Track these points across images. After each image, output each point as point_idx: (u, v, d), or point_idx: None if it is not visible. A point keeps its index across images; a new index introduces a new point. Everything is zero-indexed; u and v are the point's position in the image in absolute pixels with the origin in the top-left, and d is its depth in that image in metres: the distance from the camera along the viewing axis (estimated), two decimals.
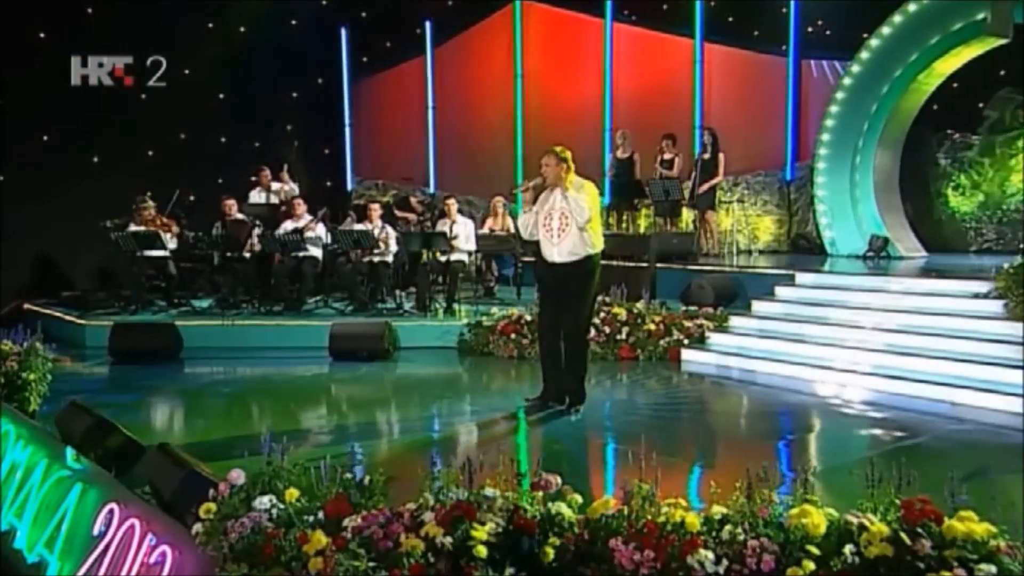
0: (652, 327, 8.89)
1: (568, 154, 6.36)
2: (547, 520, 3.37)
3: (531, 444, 5.94)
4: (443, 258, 10.60)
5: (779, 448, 5.79)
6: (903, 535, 2.91)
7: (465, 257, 10.79)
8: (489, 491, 3.53)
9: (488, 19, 14.86)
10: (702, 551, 3.08)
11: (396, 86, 14.86)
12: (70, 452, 4.69)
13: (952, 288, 8.29)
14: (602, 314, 9.01)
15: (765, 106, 13.38)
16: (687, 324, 8.92)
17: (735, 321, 9.09)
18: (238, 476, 3.54)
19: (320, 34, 14.54)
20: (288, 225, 10.95)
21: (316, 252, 10.79)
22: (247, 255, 10.81)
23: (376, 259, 10.61)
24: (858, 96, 11.91)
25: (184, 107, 13.19)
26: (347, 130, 14.86)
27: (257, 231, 10.76)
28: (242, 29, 13.82)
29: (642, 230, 13.46)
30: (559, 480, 3.54)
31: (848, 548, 2.97)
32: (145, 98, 13.17)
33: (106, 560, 3.87)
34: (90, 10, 12.95)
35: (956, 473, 4.96)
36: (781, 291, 9.44)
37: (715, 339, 8.83)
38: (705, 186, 12.10)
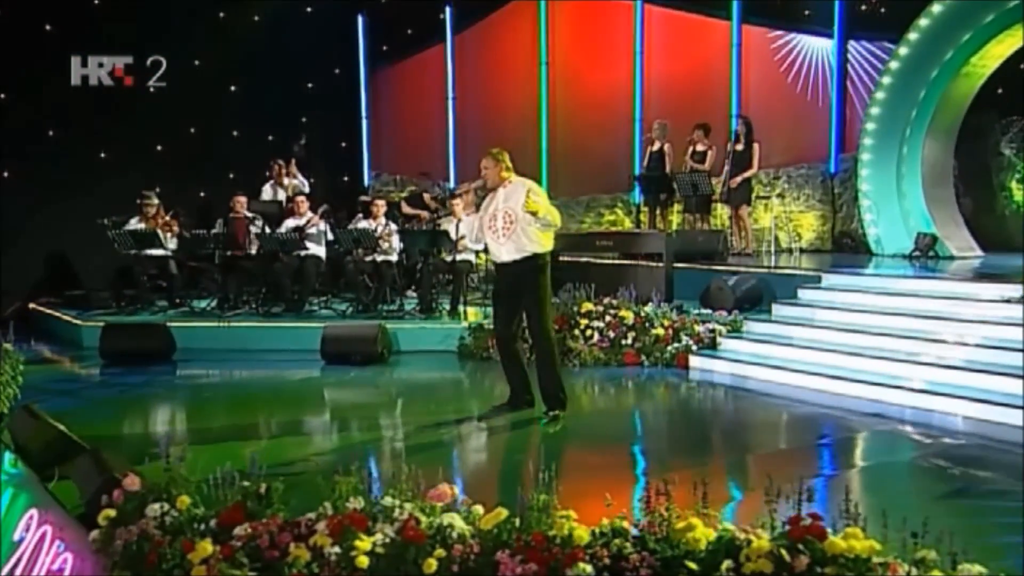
0: (660, 332, 8.94)
1: (505, 156, 6.81)
2: (439, 532, 3.52)
3: (486, 453, 6.08)
4: (448, 258, 10.79)
5: (746, 462, 5.84)
6: (783, 551, 2.99)
7: (472, 257, 10.96)
8: (388, 500, 3.71)
9: (512, 3, 15.02)
10: (581, 564, 3.21)
11: (416, 76, 15.12)
12: (8, 457, 5.00)
13: (983, 292, 8.16)
14: (608, 317, 9.13)
15: (808, 93, 13.26)
16: (698, 329, 8.94)
17: (751, 326, 9.09)
18: (133, 482, 3.76)
19: (337, 22, 14.85)
20: (289, 223, 11.27)
21: (319, 251, 11.07)
22: (252, 253, 11.15)
23: (380, 258, 10.85)
24: (905, 81, 11.76)
25: (194, 100, 13.60)
26: (364, 122, 15.16)
27: (255, 229, 11.07)
28: (255, 18, 14.20)
29: (674, 227, 13.48)
30: (455, 491, 3.69)
31: (726, 564, 3.06)
32: (153, 92, 13.60)
33: (20, 566, 4.14)
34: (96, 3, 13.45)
35: (925, 495, 5.03)
36: (804, 294, 9.40)
37: (728, 345, 8.85)
38: (738, 179, 12.04)
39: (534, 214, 6.41)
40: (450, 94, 15.05)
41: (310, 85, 14.70)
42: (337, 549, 3.46)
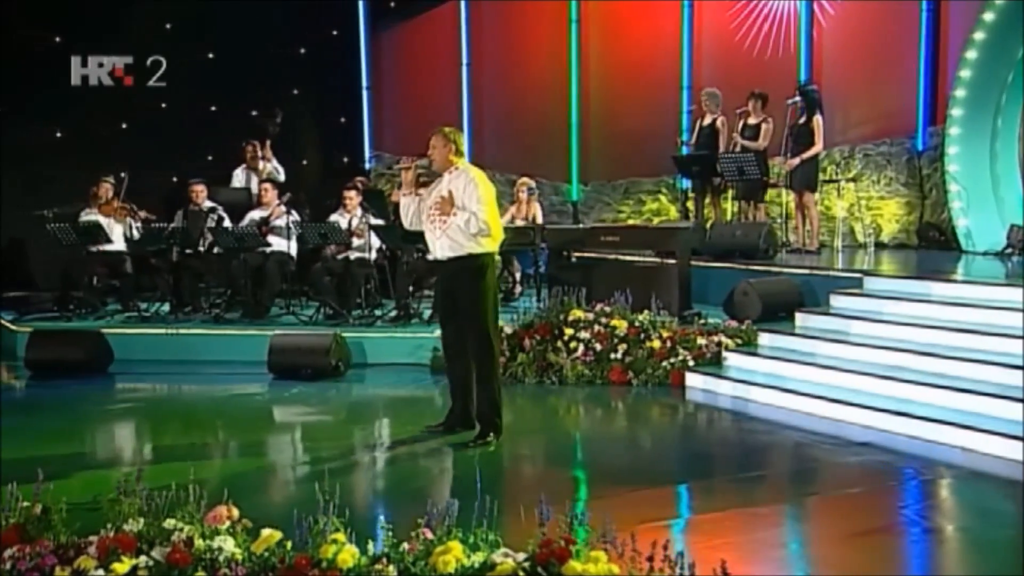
0: (656, 344, 9.33)
1: (459, 137, 7.36)
2: (208, 554, 4.12)
3: (355, 480, 6.68)
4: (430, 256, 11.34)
5: (658, 495, 6.24)
6: (522, 573, 3.52)
7: None
8: (169, 523, 4.32)
9: None
10: None
11: (426, 38, 15.71)
12: None
13: None
14: (596, 327, 9.55)
15: (892, 54, 13.40)
16: (701, 341, 9.29)
17: (767, 339, 9.39)
18: None
19: None
20: (255, 215, 12.00)
21: (284, 246, 11.77)
22: (203, 251, 11.95)
23: (353, 256, 11.49)
24: (1001, 38, 11.87)
25: (165, 69, 14.50)
26: (365, 94, 15.83)
27: (211, 223, 11.81)
28: None
29: (728, 218, 13.77)
30: (235, 512, 4.29)
31: None
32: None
33: None
34: None
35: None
36: (837, 301, 9.65)
37: (734, 361, 9.19)
38: (796, 160, 12.23)
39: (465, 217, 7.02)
40: (464, 59, 15.61)
41: (302, 51, 15.35)
42: (101, 572, 4.08)
